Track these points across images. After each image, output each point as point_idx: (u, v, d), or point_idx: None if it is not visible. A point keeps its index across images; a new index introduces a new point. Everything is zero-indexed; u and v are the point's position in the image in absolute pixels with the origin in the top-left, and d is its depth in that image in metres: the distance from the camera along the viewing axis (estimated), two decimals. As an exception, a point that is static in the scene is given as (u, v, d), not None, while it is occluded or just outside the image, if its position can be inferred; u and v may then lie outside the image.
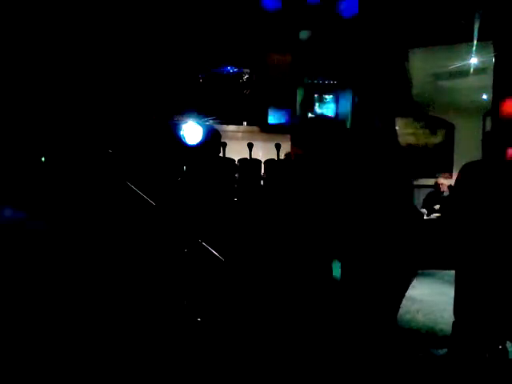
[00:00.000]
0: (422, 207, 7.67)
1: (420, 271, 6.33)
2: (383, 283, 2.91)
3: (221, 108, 8.09)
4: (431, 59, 8.50)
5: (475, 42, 7.39)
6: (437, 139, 9.41)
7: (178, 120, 5.64)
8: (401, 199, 3.00)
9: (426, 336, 4.37)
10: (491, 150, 3.81)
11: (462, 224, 3.85)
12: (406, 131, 9.38)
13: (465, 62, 7.94)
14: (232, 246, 4.80)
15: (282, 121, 8.73)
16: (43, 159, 4.88)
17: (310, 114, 8.81)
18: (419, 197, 7.74)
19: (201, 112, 6.30)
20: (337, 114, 8.64)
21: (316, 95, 8.89)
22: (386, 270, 2.90)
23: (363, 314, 2.93)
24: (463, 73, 8.18)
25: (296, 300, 3.20)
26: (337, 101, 8.85)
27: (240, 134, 8.21)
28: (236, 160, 6.07)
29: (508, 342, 3.77)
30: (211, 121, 6.83)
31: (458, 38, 7.72)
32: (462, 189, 3.91)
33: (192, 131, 5.13)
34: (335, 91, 8.89)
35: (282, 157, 5.99)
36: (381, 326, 2.94)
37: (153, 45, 7.34)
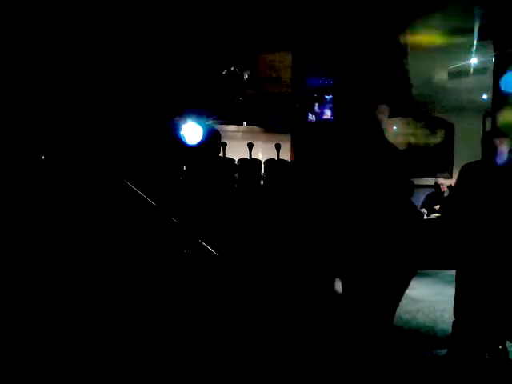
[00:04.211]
0: (422, 207, 7.67)
1: (420, 271, 6.34)
2: (382, 283, 2.91)
3: (221, 108, 8.09)
4: (431, 59, 8.49)
5: (475, 42, 7.39)
6: (437, 139, 9.42)
7: (178, 120, 5.63)
8: (400, 198, 3.00)
9: (426, 336, 4.37)
10: (491, 150, 3.81)
11: (462, 224, 3.85)
12: (406, 131, 9.38)
13: (465, 62, 7.93)
14: (232, 246, 4.80)
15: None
16: (43, 158, 4.88)
17: (309, 115, 8.81)
18: (419, 197, 7.74)
19: (201, 112, 6.30)
20: (334, 115, 8.64)
21: (316, 95, 8.89)
22: (385, 269, 2.90)
23: (361, 312, 2.93)
24: (463, 73, 8.17)
25: (298, 299, 3.20)
26: (335, 101, 8.85)
27: (240, 134, 8.22)
28: (236, 160, 6.07)
29: (508, 341, 3.77)
30: (211, 121, 6.83)
31: (458, 38, 7.71)
32: (462, 189, 3.91)
33: (192, 131, 5.13)
34: (335, 91, 8.89)
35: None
36: (379, 325, 2.94)
37: (153, 45, 7.33)
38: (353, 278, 2.97)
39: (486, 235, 3.69)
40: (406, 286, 3.06)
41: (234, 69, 8.59)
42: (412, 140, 9.36)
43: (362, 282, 2.92)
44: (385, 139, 3.05)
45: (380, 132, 3.03)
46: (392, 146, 3.05)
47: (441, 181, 8.00)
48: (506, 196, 3.69)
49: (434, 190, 7.95)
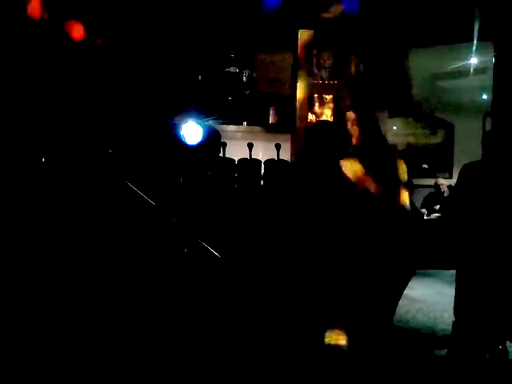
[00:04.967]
0: (422, 207, 7.66)
1: (420, 271, 6.34)
2: (382, 283, 2.91)
3: (221, 108, 8.09)
4: (431, 59, 8.50)
5: (475, 42, 7.39)
6: (437, 139, 9.40)
7: (178, 120, 5.63)
8: (400, 198, 3.00)
9: (426, 336, 4.37)
10: (491, 150, 3.81)
11: (463, 224, 3.85)
12: (406, 131, 9.38)
13: (465, 62, 7.93)
14: (232, 246, 4.80)
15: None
16: (43, 159, 4.88)
17: (309, 115, 8.81)
18: (419, 197, 7.74)
19: (201, 112, 6.30)
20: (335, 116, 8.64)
21: (316, 95, 8.89)
22: (384, 269, 2.90)
23: (361, 312, 2.93)
24: (463, 73, 8.18)
25: (299, 299, 3.20)
26: (336, 101, 8.85)
27: (240, 134, 8.21)
28: (236, 160, 6.07)
29: (508, 341, 3.77)
30: (211, 121, 6.83)
31: (458, 38, 7.72)
32: (462, 189, 3.91)
33: (192, 131, 5.13)
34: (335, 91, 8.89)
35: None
36: (379, 325, 2.94)
37: (153, 45, 7.34)
38: (353, 277, 2.97)
39: (487, 235, 3.69)
40: (404, 285, 3.06)
41: (234, 69, 8.59)
42: (412, 140, 9.34)
43: (362, 282, 2.93)
44: (384, 140, 3.06)
45: (379, 132, 3.04)
46: (391, 147, 3.06)
47: (441, 181, 7.98)
48: (506, 196, 3.69)
49: (433, 189, 7.95)
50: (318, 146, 3.17)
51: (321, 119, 8.66)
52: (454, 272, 3.96)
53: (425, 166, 8.80)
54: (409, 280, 3.08)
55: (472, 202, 3.79)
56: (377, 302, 2.92)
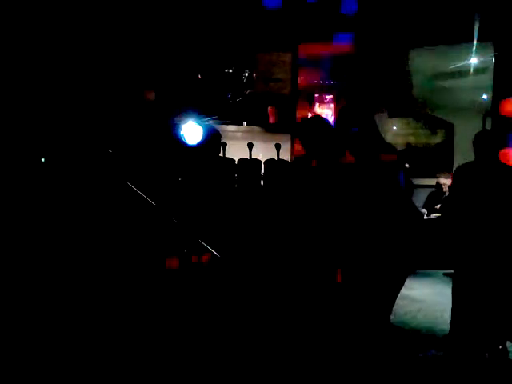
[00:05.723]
0: (423, 207, 7.66)
1: (420, 271, 6.35)
2: (381, 282, 2.91)
3: (221, 108, 8.08)
4: (431, 59, 8.49)
5: (475, 42, 7.39)
6: (437, 139, 9.40)
7: (178, 120, 5.63)
8: (400, 198, 3.00)
9: (426, 336, 4.37)
10: (486, 151, 3.82)
11: (459, 224, 3.85)
12: (406, 131, 9.37)
13: (465, 62, 7.94)
14: (232, 246, 4.80)
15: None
16: (43, 160, 4.88)
17: (309, 115, 8.80)
18: (419, 197, 7.74)
19: (201, 112, 6.29)
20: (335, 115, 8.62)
21: (316, 95, 8.88)
22: (383, 268, 2.90)
23: (359, 312, 2.94)
24: (463, 73, 8.18)
25: (299, 298, 3.20)
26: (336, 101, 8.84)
27: (240, 134, 8.20)
28: (236, 160, 6.06)
29: (508, 341, 3.78)
30: (211, 121, 6.83)
31: (458, 38, 7.72)
32: (457, 190, 3.93)
33: (192, 131, 5.12)
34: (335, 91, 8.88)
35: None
36: (376, 324, 2.94)
37: (152, 44, 7.34)
38: (351, 276, 2.97)
39: (483, 235, 3.69)
40: (401, 283, 3.06)
41: (234, 69, 8.59)
42: (412, 140, 9.34)
43: (360, 280, 2.93)
44: (383, 139, 3.06)
45: (378, 132, 3.04)
46: (390, 146, 3.06)
47: (443, 180, 7.98)
48: (501, 196, 3.70)
49: (435, 189, 7.95)
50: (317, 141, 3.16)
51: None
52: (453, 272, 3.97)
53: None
54: (405, 278, 3.08)
55: (466, 202, 3.80)
56: (374, 299, 2.93)
